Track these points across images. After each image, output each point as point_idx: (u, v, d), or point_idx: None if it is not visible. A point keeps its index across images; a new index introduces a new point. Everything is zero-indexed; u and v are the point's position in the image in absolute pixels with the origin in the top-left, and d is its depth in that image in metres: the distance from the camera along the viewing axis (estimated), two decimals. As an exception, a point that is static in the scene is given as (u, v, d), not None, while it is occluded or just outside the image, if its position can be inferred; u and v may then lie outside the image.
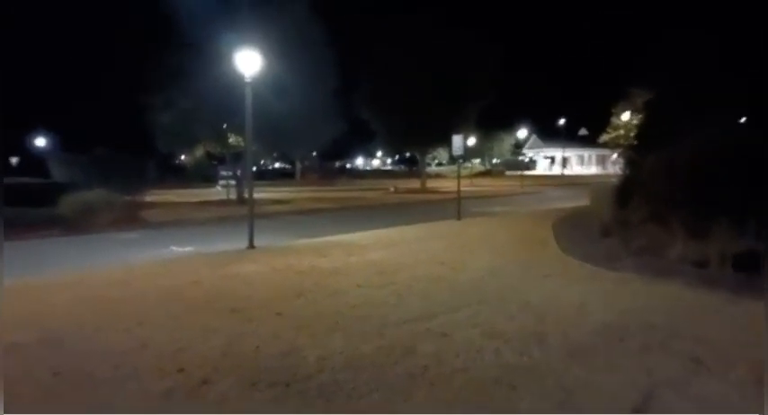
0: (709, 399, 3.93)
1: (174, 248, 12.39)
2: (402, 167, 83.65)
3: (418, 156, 42.14)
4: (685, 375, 4.32)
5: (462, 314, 6.07)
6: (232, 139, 26.04)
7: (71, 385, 4.39)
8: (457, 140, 17.04)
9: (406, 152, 62.04)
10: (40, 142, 38.91)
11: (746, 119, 16.81)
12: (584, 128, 56.02)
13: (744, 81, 15.53)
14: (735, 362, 4.53)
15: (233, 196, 25.87)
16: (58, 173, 21.83)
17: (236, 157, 26.53)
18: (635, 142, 17.34)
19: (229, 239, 12.68)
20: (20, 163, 36.47)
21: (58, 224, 14.80)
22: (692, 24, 17.68)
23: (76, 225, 15.04)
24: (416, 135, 34.73)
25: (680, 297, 6.67)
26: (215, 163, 34.51)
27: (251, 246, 11.29)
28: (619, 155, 21.95)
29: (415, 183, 39.19)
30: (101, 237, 14.41)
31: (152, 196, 22.07)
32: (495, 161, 72.91)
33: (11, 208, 13.60)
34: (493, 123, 57.18)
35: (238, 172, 26.19)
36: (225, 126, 24.64)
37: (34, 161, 29.59)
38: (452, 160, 47.63)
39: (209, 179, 36.80)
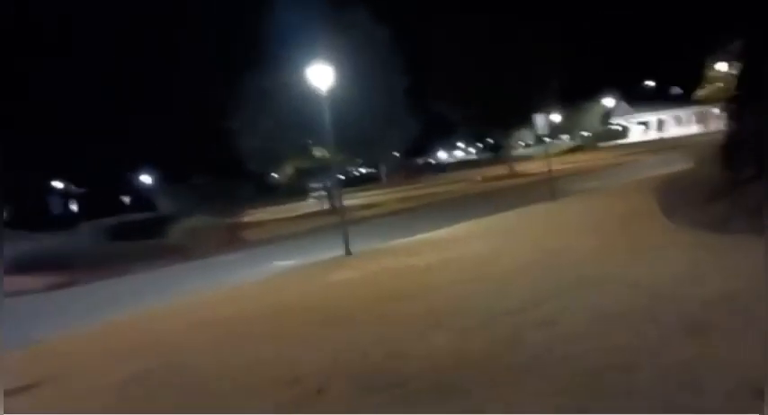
0: None
1: (277, 263, 12.92)
2: (487, 154, 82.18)
3: (502, 141, 41.28)
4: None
5: (568, 299, 5.88)
6: (318, 152, 26.80)
7: (193, 402, 4.70)
8: (540, 119, 16.56)
9: (488, 138, 60.99)
10: (146, 179, 41.98)
11: None
12: (676, 86, 52.53)
13: None
14: None
15: (326, 206, 26.61)
16: (163, 206, 23.46)
17: (324, 169, 27.28)
18: (736, 94, 15.99)
19: (327, 248, 13.06)
20: (132, 201, 39.57)
21: (169, 252, 15.92)
22: None
23: (185, 251, 16.09)
24: (496, 118, 34.10)
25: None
26: (305, 176, 35.69)
27: (347, 253, 11.57)
28: (720, 111, 20.39)
29: (502, 169, 38.42)
30: (207, 262, 15.31)
31: (250, 216, 23.16)
32: (585, 134, 69.94)
33: (128, 243, 14.80)
34: (577, 96, 54.93)
35: (328, 183, 26.91)
36: (309, 141, 25.38)
37: (143, 197, 31.98)
38: (539, 140, 46.34)
39: (302, 193, 38.06)
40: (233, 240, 17.96)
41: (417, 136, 30.93)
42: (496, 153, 70.01)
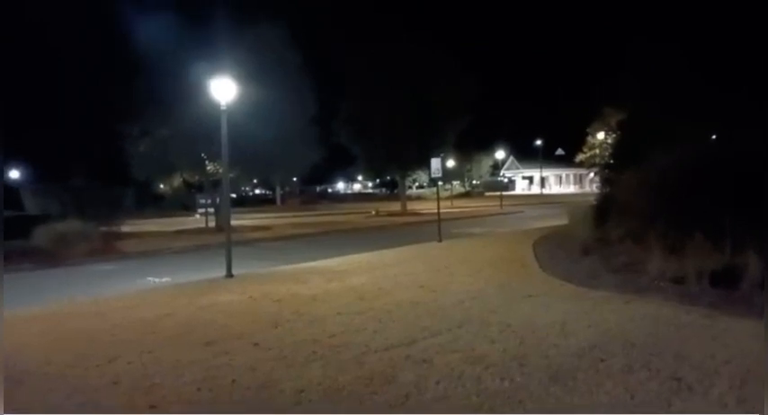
0: (691, 419, 3.89)
1: (151, 279, 12.14)
2: (383, 190, 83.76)
3: (398, 179, 42.29)
4: (667, 395, 4.27)
5: (443, 339, 5.99)
6: (210, 167, 25.85)
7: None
8: (435, 163, 17.15)
9: (386, 175, 62.41)
10: (14, 174, 38.32)
11: (717, 136, 17.14)
12: (560, 148, 56.83)
13: (715, 98, 15.84)
14: (716, 380, 4.50)
15: (212, 224, 25.58)
16: (31, 205, 21.42)
17: (215, 184, 26.33)
18: (610, 160, 17.50)
19: (207, 268, 12.47)
20: (-8, 196, 35.85)
21: (29, 256, 14.46)
22: (662, 38, 17.99)
23: (50, 257, 14.70)
24: (395, 158, 35.00)
25: (659, 315, 6.66)
26: (193, 190, 34.21)
27: (229, 275, 11.10)
28: (595, 174, 22.18)
29: (395, 206, 39.20)
30: (76, 269, 14.09)
31: (129, 226, 21.71)
32: (474, 182, 73.44)
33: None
34: (471, 145, 57.69)
35: (217, 200, 25.96)
36: (203, 154, 24.47)
37: (8, 193, 29.02)
38: (432, 182, 47.95)
39: (187, 207, 36.36)
40: (107, 249, 16.68)
41: (318, 163, 30.85)
42: (392, 190, 71.57)
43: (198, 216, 30.34)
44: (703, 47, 16.95)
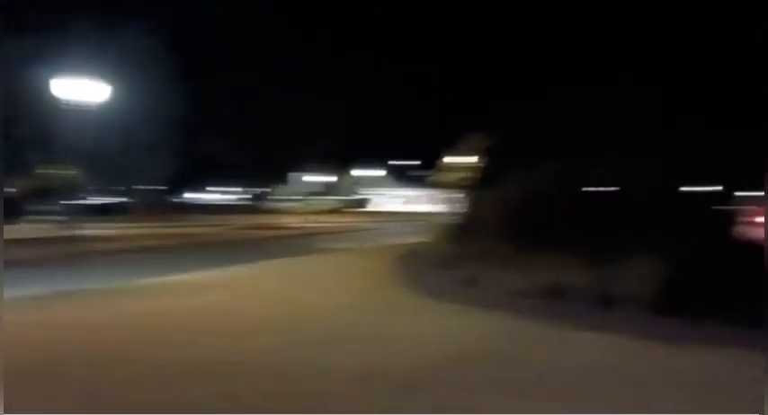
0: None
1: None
2: (250, 202, 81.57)
3: (267, 191, 41.59)
4: (509, 405, 4.56)
5: (295, 355, 5.91)
6: (57, 171, 23.54)
7: None
8: (302, 178, 17.11)
9: (253, 187, 61.05)
10: None
11: (563, 164, 18.84)
12: (424, 168, 59.42)
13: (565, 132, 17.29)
14: (557, 388, 4.90)
15: (62, 232, 23.13)
16: None
17: (65, 190, 23.95)
18: (473, 182, 18.57)
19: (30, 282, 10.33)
20: None
21: None
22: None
23: None
24: (262, 171, 34.50)
25: (506, 327, 7.15)
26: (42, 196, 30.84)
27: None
28: (458, 195, 23.36)
29: (261, 219, 38.37)
30: None
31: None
32: (343, 198, 74.13)
33: None
34: (341, 161, 58.33)
35: (65, 207, 23.59)
36: (48, 158, 22.27)
37: None
38: (301, 196, 47.71)
39: (33, 213, 32.65)
40: None
41: (182, 172, 29.41)
42: (258, 201, 69.98)
43: (44, 224, 27.32)
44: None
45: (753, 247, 8.76)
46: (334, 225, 37.08)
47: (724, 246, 9.00)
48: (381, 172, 73.94)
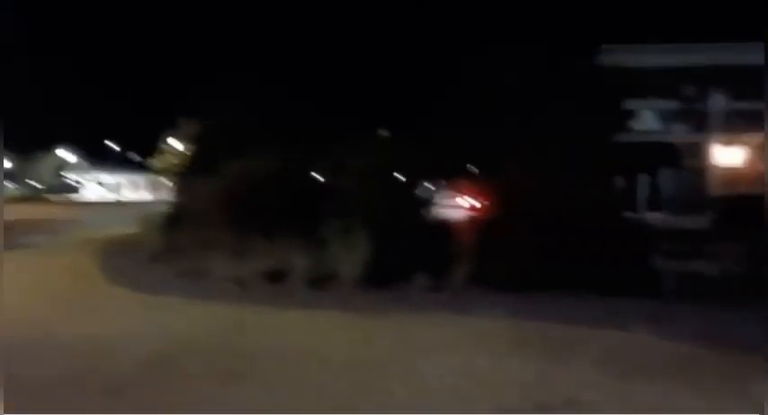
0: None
1: None
2: None
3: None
4: (223, 390, 4.57)
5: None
6: None
7: None
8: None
9: None
10: None
11: (281, 154, 19.25)
12: (135, 153, 54.85)
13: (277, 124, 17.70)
14: (264, 368, 5.06)
15: None
16: None
17: None
18: (185, 169, 17.75)
19: None
20: None
21: None
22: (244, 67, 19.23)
23: None
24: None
25: (221, 316, 7.12)
26: None
27: None
28: (170, 182, 22.22)
29: None
30: None
31: None
32: (37, 185, 63.88)
33: None
34: (31, 145, 50.31)
35: None
36: None
37: None
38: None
39: None
40: None
41: None
42: None
43: None
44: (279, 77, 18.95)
45: (446, 225, 10.36)
46: (29, 216, 31.64)
47: (423, 225, 10.31)
48: (85, 157, 65.98)
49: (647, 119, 18.80)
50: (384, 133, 15.99)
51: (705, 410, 4.15)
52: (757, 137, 18.26)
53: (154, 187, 62.43)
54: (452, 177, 12.76)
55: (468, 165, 11.86)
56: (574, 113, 9.43)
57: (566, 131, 9.27)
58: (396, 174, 11.52)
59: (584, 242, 8.48)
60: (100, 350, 5.61)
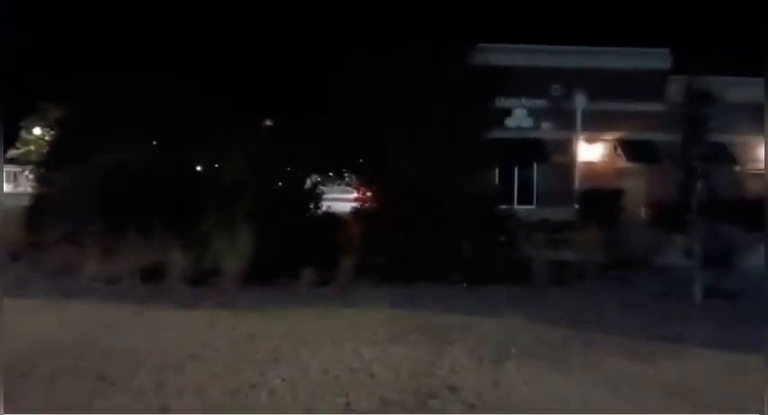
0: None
1: None
2: None
3: None
4: (91, 396, 4.26)
5: None
6: None
7: None
8: None
9: None
10: None
11: (158, 144, 18.10)
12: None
13: (152, 114, 16.64)
14: (138, 371, 4.77)
15: None
16: None
17: None
18: (48, 159, 16.22)
19: None
20: None
21: None
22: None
23: None
24: None
25: (91, 316, 6.64)
26: None
27: None
28: (30, 173, 20.32)
29: None
30: None
31: None
32: None
33: None
34: None
35: None
36: None
37: None
38: None
39: None
40: None
41: None
42: None
43: None
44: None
45: (333, 219, 10.31)
46: None
47: (309, 219, 10.17)
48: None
49: (519, 117, 20.07)
50: (270, 124, 15.64)
51: (571, 387, 4.53)
52: (614, 135, 20.20)
53: (15, 178, 56.59)
54: (339, 171, 12.78)
55: (355, 159, 11.93)
56: (451, 110, 9.80)
57: (443, 128, 9.62)
58: (281, 166, 11.27)
59: (455, 234, 8.94)
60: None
